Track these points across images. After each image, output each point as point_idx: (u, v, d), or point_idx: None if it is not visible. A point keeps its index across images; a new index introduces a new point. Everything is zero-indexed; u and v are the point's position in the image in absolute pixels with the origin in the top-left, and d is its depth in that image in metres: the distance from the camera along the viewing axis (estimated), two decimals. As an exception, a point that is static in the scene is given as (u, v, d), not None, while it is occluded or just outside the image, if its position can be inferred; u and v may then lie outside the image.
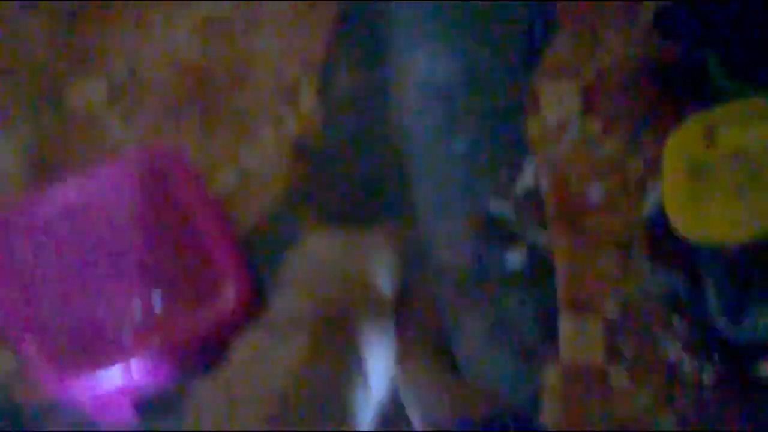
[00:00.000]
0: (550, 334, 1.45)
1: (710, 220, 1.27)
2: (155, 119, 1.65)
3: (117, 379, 1.19)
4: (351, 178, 1.57)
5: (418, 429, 0.98)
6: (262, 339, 0.94)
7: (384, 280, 1.06)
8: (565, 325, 1.45)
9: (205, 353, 1.24)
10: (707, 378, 1.37)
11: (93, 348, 1.21)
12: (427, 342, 1.11)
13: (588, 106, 1.60)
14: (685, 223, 1.29)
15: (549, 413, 1.39)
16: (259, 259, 1.38)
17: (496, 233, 1.53)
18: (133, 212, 1.31)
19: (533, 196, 1.56)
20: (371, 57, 1.66)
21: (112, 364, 1.18)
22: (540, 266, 1.50)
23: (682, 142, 1.33)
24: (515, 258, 1.51)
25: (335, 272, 1.03)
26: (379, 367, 0.99)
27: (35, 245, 1.29)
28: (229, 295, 1.23)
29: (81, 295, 1.26)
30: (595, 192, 1.54)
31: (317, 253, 1.05)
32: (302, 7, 1.71)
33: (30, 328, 1.24)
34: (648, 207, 1.48)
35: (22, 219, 1.29)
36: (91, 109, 1.68)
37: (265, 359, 0.91)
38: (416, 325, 1.10)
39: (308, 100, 1.65)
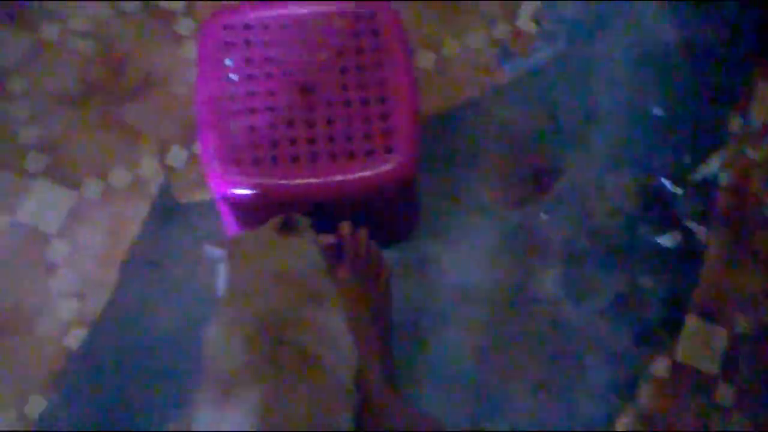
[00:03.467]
0: (673, 326, 1.41)
1: None
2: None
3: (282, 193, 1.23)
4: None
5: None
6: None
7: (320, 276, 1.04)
8: (690, 324, 1.40)
9: (365, 206, 1.29)
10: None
11: (261, 159, 1.24)
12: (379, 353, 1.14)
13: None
14: None
15: (646, 400, 1.36)
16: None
17: (658, 208, 1.48)
18: (337, 41, 1.31)
19: (709, 188, 1.49)
20: None
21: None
22: (688, 258, 1.45)
23: None
24: (668, 240, 1.46)
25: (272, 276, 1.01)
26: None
27: (245, 45, 1.32)
28: (402, 150, 1.23)
29: (271, 107, 1.27)
30: (774, 208, 1.47)
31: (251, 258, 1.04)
32: None
33: (213, 125, 1.27)
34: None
35: (240, 17, 1.34)
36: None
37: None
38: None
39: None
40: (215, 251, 1.08)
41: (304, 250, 1.09)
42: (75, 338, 1.40)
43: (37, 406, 1.35)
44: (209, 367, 0.95)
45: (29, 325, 1.41)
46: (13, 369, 1.38)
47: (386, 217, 1.38)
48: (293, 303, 0.98)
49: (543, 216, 1.47)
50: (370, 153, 1.24)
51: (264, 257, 1.08)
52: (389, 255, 1.41)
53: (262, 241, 1.11)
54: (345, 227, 1.24)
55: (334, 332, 0.99)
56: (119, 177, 1.52)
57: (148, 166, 1.53)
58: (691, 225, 1.47)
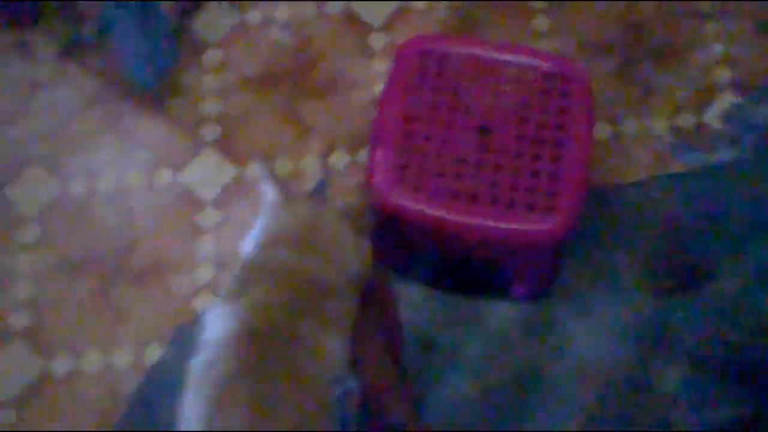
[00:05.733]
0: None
1: None
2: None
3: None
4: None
5: None
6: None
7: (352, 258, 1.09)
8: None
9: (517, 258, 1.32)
10: None
11: (434, 185, 1.27)
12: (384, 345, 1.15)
13: None
14: None
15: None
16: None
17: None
18: (525, 93, 1.34)
19: None
20: None
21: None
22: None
23: None
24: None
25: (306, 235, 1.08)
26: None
27: (437, 75, 1.36)
28: (563, 212, 1.24)
29: (447, 138, 1.31)
30: None
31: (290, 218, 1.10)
32: None
33: (388, 142, 1.31)
34: None
35: (441, 50, 1.39)
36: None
37: None
38: (374, 325, 1.14)
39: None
40: (268, 180, 1.13)
41: (361, 252, 1.11)
42: (203, 302, 1.47)
43: (153, 354, 1.43)
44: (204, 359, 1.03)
45: (166, 279, 1.49)
46: (142, 316, 1.47)
47: (525, 271, 1.38)
48: (302, 305, 1.04)
49: (682, 313, 1.43)
50: (531, 208, 1.25)
51: (310, 228, 1.10)
52: (515, 309, 1.41)
53: (318, 213, 1.12)
54: None
55: (330, 355, 1.04)
56: (282, 165, 1.59)
57: (311, 162, 1.59)
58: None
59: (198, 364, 1.02)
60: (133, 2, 1.52)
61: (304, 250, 1.07)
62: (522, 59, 1.37)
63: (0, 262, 1.51)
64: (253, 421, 0.96)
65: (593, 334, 1.41)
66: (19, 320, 1.46)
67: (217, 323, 1.03)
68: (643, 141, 1.59)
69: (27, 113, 1.65)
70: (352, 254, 1.10)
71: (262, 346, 1.00)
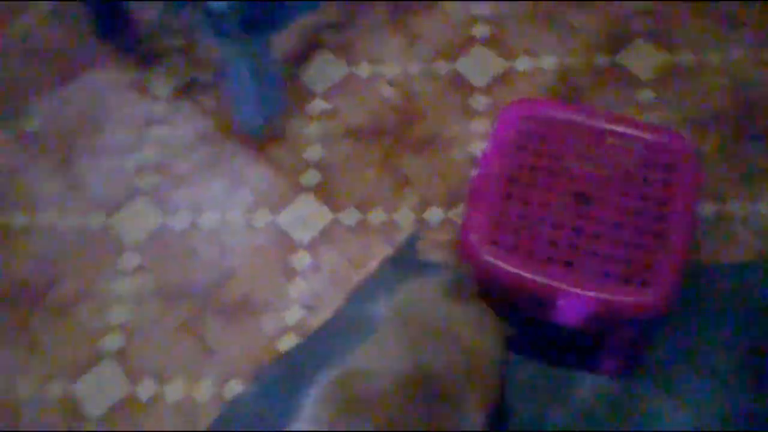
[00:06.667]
0: None
1: None
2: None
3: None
4: None
5: None
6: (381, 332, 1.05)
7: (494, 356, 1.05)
8: None
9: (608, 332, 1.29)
10: None
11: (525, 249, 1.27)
12: None
13: None
14: None
15: None
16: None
17: None
18: (627, 164, 1.33)
19: None
20: None
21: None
22: None
23: None
24: None
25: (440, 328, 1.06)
26: None
27: (539, 139, 1.37)
28: (659, 288, 1.21)
29: (546, 203, 1.31)
30: None
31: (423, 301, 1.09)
32: None
33: (485, 201, 1.32)
34: None
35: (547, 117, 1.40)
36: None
37: None
38: None
39: None
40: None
41: (487, 326, 1.14)
42: (286, 343, 1.49)
43: (233, 389, 1.45)
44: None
45: (255, 317, 1.52)
46: (227, 351, 1.50)
47: (616, 345, 1.35)
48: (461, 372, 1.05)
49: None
50: (626, 280, 1.23)
51: (428, 311, 1.14)
52: (602, 384, 1.38)
53: (429, 294, 1.17)
54: None
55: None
56: (376, 215, 1.62)
57: (405, 215, 1.61)
58: None
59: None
60: (249, 49, 1.59)
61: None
62: (626, 129, 1.37)
63: (100, 286, 1.57)
64: None
65: (680, 416, 1.36)
66: (112, 343, 1.51)
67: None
68: (748, 222, 1.55)
69: (140, 147, 1.74)
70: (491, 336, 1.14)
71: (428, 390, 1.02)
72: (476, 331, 1.15)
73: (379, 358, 1.08)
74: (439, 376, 1.05)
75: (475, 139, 1.68)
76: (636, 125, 1.39)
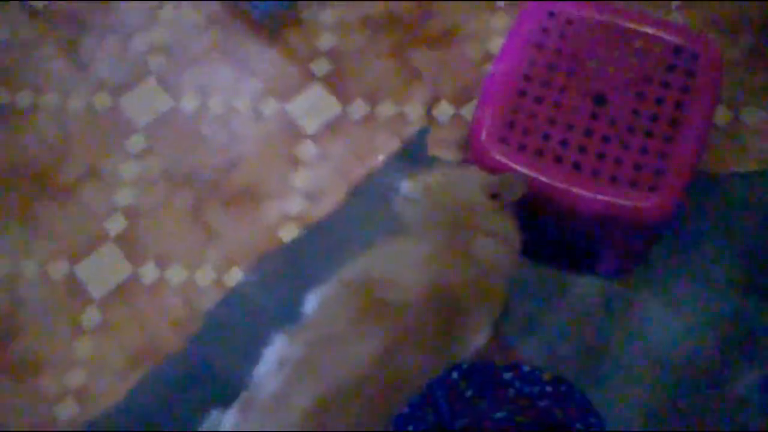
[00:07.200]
0: None
1: None
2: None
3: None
4: None
5: None
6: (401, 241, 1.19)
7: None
8: None
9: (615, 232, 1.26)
10: None
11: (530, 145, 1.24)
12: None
13: None
14: None
15: None
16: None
17: None
18: (648, 66, 1.28)
19: None
20: None
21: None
22: None
23: None
24: None
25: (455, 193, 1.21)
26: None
27: (560, 37, 1.32)
28: (666, 194, 1.18)
29: (559, 103, 1.27)
30: None
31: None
32: None
33: (498, 99, 1.28)
34: None
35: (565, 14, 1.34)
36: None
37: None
38: None
39: None
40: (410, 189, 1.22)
41: (509, 242, 1.20)
42: (289, 232, 1.49)
43: (234, 277, 1.46)
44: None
45: (257, 205, 1.51)
46: (229, 238, 1.50)
47: (616, 248, 1.33)
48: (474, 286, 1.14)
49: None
50: (633, 184, 1.19)
51: (462, 202, 1.19)
52: (598, 285, 1.37)
53: (468, 185, 1.20)
54: None
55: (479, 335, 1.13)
56: (385, 108, 1.58)
57: (415, 110, 1.57)
58: None
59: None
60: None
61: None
62: (651, 30, 1.30)
63: (106, 168, 1.57)
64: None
65: (673, 322, 1.36)
66: (116, 225, 1.52)
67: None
68: (761, 132, 1.49)
69: (150, 27, 1.69)
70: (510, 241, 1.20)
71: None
72: (498, 245, 1.17)
73: (403, 268, 1.14)
74: (455, 293, 1.11)
75: (493, 35, 1.61)
76: (662, 26, 1.32)
